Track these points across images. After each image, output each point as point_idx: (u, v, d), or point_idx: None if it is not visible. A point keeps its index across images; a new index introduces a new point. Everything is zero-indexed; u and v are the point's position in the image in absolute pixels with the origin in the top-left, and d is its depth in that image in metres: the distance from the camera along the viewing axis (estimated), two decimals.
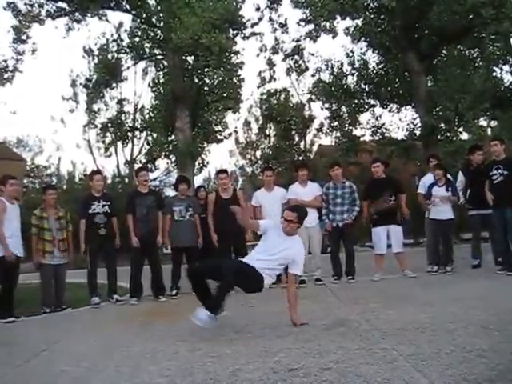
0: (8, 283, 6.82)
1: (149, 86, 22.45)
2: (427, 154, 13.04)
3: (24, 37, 18.42)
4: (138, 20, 19.92)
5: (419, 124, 19.77)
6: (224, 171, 8.52)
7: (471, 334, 3.98)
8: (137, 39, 19.89)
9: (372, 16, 19.50)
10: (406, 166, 20.56)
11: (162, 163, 24.45)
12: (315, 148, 31.44)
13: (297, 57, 22.81)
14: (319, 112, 46.70)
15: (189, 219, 8.02)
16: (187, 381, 3.39)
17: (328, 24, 20.00)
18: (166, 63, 20.31)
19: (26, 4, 18.23)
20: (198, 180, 22.69)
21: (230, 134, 21.81)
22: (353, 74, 21.34)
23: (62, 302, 7.54)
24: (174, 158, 19.33)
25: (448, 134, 18.66)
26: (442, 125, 18.43)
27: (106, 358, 4.25)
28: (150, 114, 21.24)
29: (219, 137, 20.39)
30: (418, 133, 20.03)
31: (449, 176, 8.43)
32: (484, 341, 3.74)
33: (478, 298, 5.60)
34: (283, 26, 21.45)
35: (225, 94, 19.08)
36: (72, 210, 8.96)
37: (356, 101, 21.16)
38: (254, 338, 4.48)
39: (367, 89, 21.13)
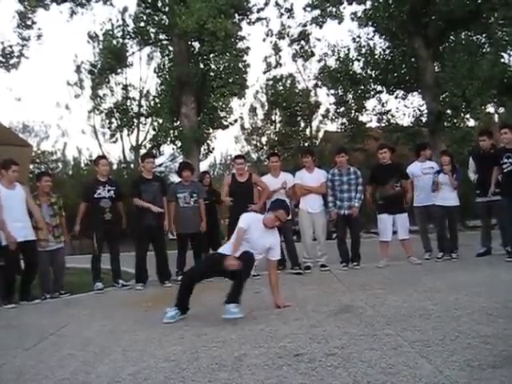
0: (9, 269, 6.77)
1: (154, 71, 22.30)
2: (433, 140, 12.97)
3: (29, 22, 18.33)
4: (143, 4, 19.76)
5: (426, 110, 19.63)
6: (241, 156, 8.68)
7: (476, 321, 3.98)
8: (142, 24, 19.73)
9: (379, 0, 19.30)
10: (411, 152, 20.45)
11: (168, 149, 24.43)
12: (321, 134, 31.33)
13: (303, 42, 22.67)
14: (325, 98, 46.48)
15: (193, 205, 8.03)
16: (193, 365, 3.42)
17: (334, 9, 19.85)
18: (171, 48, 20.16)
19: None
20: (203, 166, 22.66)
21: (235, 120, 21.65)
22: (359, 60, 21.15)
23: (60, 288, 7.56)
24: (179, 144, 19.28)
25: (455, 121, 18.53)
26: (449, 111, 18.27)
27: (113, 342, 4.29)
28: (156, 99, 21.11)
29: (225, 123, 20.21)
30: (424, 119, 19.90)
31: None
32: (488, 327, 3.75)
33: (483, 286, 5.60)
34: (289, 10, 21.29)
35: (230, 80, 18.91)
36: (78, 195, 9.00)
37: (362, 87, 20.97)
38: (259, 324, 4.50)
39: (373, 75, 20.93)
